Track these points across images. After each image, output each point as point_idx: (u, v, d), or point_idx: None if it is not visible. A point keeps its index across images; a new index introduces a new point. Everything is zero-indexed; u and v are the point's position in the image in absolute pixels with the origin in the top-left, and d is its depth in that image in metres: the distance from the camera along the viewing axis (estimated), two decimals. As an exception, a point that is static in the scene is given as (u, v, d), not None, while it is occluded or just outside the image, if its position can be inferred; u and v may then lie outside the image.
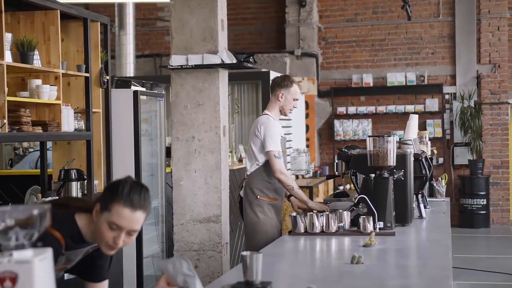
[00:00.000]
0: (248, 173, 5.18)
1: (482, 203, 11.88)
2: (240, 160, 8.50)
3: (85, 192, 5.55)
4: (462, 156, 12.21)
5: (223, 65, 5.39)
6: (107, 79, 5.87)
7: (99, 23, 5.83)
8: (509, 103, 12.25)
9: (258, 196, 5.08)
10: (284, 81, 5.20)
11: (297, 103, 5.29)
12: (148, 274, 6.43)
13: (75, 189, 5.38)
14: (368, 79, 12.49)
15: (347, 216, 4.24)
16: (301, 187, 8.88)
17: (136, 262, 6.12)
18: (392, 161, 4.32)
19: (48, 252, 1.80)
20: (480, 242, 11.14)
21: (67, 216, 2.67)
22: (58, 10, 5.16)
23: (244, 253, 2.65)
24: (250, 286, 2.65)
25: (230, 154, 7.82)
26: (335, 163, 5.14)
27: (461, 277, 8.00)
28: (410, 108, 12.21)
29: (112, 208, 2.52)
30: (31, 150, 8.21)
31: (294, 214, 4.28)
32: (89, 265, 2.80)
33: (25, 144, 8.44)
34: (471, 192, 11.91)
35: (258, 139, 5.08)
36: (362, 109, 12.48)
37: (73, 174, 5.40)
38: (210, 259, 5.42)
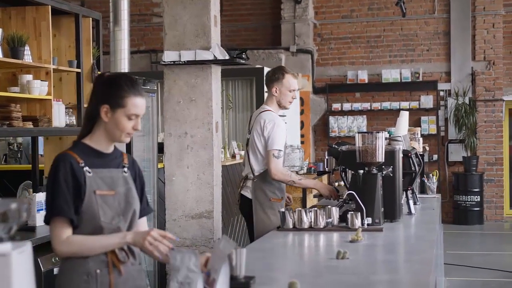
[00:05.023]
0: (256, 174, 5.02)
1: (476, 200, 11.91)
2: (233, 156, 8.51)
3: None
4: (457, 153, 12.23)
5: (215, 61, 5.39)
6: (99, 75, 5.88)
7: (91, 18, 5.84)
8: (504, 100, 12.27)
9: (271, 199, 4.99)
10: (275, 74, 5.06)
11: (295, 93, 5.12)
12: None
13: (66, 184, 5.37)
14: (363, 76, 12.51)
15: (335, 212, 4.25)
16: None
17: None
18: (380, 157, 4.32)
19: (27, 245, 1.82)
20: (473, 238, 11.17)
21: (75, 144, 2.85)
22: (49, 6, 5.17)
23: (228, 248, 2.67)
24: (233, 280, 2.67)
25: (223, 150, 7.84)
26: (325, 159, 5.14)
27: (453, 273, 8.03)
28: (405, 104, 12.22)
29: (127, 103, 2.78)
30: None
31: (282, 209, 4.30)
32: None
33: (20, 139, 8.44)
34: (465, 189, 11.93)
35: (263, 137, 4.95)
36: (357, 105, 12.50)
37: (65, 169, 5.39)
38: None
